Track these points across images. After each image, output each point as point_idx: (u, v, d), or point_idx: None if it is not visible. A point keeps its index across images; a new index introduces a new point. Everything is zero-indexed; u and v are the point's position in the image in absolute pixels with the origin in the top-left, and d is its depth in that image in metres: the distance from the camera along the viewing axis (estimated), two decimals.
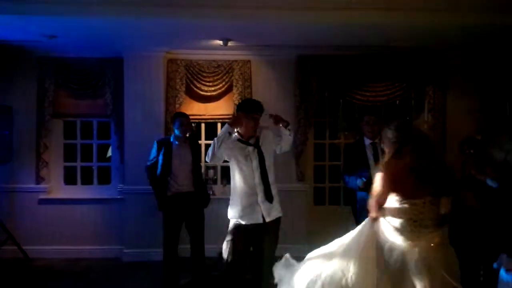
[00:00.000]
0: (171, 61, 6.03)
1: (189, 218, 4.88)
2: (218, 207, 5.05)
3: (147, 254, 5.70)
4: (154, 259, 5.46)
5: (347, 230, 3.19)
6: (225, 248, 3.88)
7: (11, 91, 5.99)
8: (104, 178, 6.40)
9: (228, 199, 4.04)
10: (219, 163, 4.99)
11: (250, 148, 3.87)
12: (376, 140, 4.36)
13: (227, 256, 3.85)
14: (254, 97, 6.02)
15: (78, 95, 6.09)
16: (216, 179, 6.30)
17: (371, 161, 4.36)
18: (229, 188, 4.09)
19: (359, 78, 6.02)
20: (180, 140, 4.92)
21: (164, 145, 4.91)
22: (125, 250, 5.94)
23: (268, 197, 3.83)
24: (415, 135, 3.08)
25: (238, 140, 3.91)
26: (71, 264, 5.79)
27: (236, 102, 6.02)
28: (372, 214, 3.06)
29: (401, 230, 2.94)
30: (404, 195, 2.94)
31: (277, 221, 3.94)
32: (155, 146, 4.96)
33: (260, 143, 3.91)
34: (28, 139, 6.02)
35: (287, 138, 3.92)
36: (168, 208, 4.84)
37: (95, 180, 6.39)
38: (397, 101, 6.19)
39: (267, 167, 3.87)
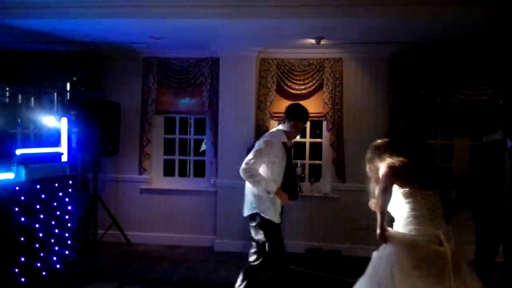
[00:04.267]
0: (263, 60, 6.19)
1: None
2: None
3: (237, 245, 5.90)
4: (243, 250, 5.63)
5: None
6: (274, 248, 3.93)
7: (119, 89, 6.49)
8: (199, 171, 6.74)
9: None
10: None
11: (285, 154, 3.97)
12: None
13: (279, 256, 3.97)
14: (344, 96, 6.04)
15: (178, 93, 6.47)
16: (303, 177, 6.36)
17: (507, 165, 4.00)
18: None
19: (459, 75, 5.73)
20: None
21: None
22: (217, 240, 6.21)
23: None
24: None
25: (283, 143, 3.98)
26: (168, 250, 6.15)
27: (327, 101, 6.04)
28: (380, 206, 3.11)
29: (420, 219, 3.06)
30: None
31: None
32: None
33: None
34: (132, 134, 6.49)
35: None
36: None
37: (191, 172, 6.77)
38: (501, 101, 5.79)
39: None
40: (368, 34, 5.46)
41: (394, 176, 3.11)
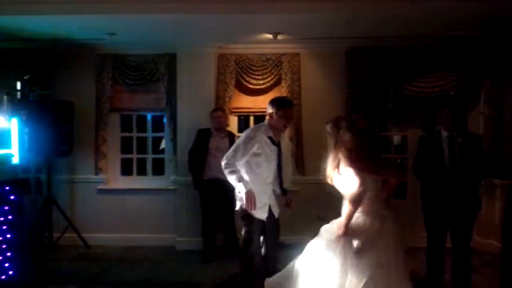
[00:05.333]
0: (221, 56, 6.15)
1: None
2: None
3: (198, 243, 5.82)
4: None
5: None
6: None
7: (72, 87, 6.28)
8: (158, 169, 6.64)
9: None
10: None
11: (273, 147, 3.99)
12: (454, 133, 4.25)
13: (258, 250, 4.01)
14: (303, 90, 6.09)
15: (134, 90, 6.34)
16: None
17: (446, 155, 4.23)
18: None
19: (412, 69, 5.90)
20: (217, 131, 5.62)
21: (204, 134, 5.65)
22: (178, 239, 6.13)
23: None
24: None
25: (269, 137, 3.97)
26: (127, 251, 6.02)
27: (285, 95, 6.07)
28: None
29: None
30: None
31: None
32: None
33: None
34: (87, 133, 6.31)
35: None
36: (204, 191, 5.58)
37: (149, 171, 6.65)
38: (452, 92, 6.02)
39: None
40: (325, 29, 5.53)
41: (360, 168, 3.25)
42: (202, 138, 5.67)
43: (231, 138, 5.76)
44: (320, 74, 6.16)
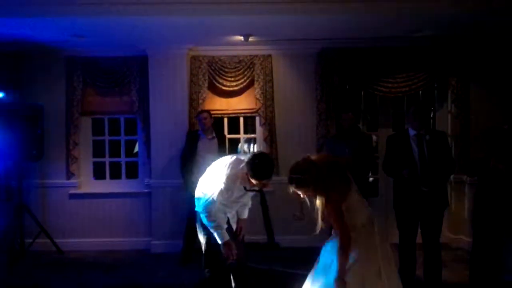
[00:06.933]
0: (194, 58, 6.15)
1: None
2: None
3: (174, 245, 5.79)
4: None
5: None
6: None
7: (41, 90, 6.17)
8: (132, 173, 6.58)
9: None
10: None
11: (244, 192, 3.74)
12: (421, 131, 4.37)
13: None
14: (275, 92, 6.13)
15: (105, 93, 6.27)
16: None
17: (415, 152, 4.34)
18: None
19: (381, 69, 6.03)
20: (205, 133, 5.55)
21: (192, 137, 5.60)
22: (153, 242, 6.09)
23: None
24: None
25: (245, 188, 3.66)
26: (102, 256, 5.95)
27: (258, 97, 6.11)
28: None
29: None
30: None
31: None
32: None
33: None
34: (58, 137, 6.21)
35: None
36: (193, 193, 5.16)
37: (123, 174, 6.58)
38: (420, 92, 6.18)
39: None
40: (295, 31, 5.59)
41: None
42: (191, 140, 5.65)
43: (220, 140, 5.76)
44: (292, 75, 6.22)
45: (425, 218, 4.36)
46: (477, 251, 4.31)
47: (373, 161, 5.54)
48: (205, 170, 4.06)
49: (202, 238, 3.95)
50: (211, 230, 3.72)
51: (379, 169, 5.84)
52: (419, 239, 4.45)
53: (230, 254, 3.68)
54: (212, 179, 3.71)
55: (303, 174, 3.04)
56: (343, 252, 3.01)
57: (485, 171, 4.22)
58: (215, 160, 4.37)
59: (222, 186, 3.58)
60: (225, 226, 3.75)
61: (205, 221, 3.72)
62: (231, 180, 3.58)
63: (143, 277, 5.21)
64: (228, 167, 3.65)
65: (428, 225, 4.37)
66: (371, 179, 6.31)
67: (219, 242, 3.70)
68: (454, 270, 5.00)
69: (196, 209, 3.87)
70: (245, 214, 4.03)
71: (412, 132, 4.42)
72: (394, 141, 4.60)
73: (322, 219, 3.16)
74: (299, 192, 3.12)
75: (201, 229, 3.90)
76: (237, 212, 4.00)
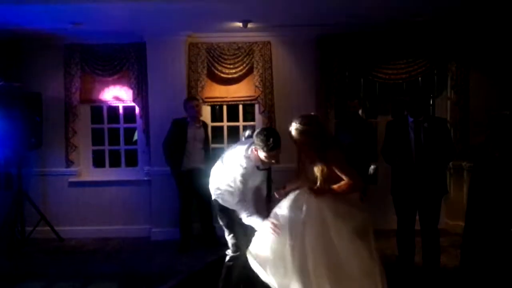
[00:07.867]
0: (192, 45, 6.10)
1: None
2: None
3: (174, 233, 5.81)
4: None
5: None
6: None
7: (40, 78, 6.16)
8: (132, 161, 6.58)
9: None
10: None
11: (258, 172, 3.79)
12: (420, 119, 4.35)
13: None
14: (275, 78, 6.09)
15: (104, 81, 6.24)
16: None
17: (412, 139, 4.32)
18: None
19: (380, 56, 6.00)
20: (193, 120, 5.60)
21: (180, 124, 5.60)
22: (153, 229, 6.11)
23: None
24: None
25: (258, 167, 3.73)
26: (102, 244, 5.98)
27: (257, 84, 6.08)
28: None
29: None
30: None
31: None
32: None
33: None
34: (57, 125, 6.21)
35: None
36: (181, 181, 5.57)
37: (122, 162, 6.59)
38: (419, 78, 6.16)
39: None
40: (294, 17, 5.53)
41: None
42: (179, 128, 5.60)
43: (205, 128, 5.80)
44: (291, 61, 6.17)
45: (423, 204, 4.36)
46: (469, 236, 4.30)
47: (375, 148, 5.53)
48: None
49: (224, 224, 3.92)
50: (245, 222, 3.66)
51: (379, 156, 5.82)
52: (417, 226, 4.46)
53: (275, 228, 3.47)
54: (229, 171, 3.74)
55: (310, 125, 3.36)
56: (350, 190, 3.31)
57: (482, 157, 4.22)
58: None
59: (241, 172, 3.63)
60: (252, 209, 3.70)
61: (238, 213, 3.67)
62: (248, 165, 3.65)
63: (143, 264, 5.23)
64: (241, 154, 3.69)
65: (426, 211, 4.37)
66: (373, 168, 6.09)
67: (257, 227, 3.57)
68: (452, 255, 5.02)
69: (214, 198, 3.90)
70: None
71: (410, 119, 4.42)
72: (393, 128, 4.60)
73: (322, 182, 3.33)
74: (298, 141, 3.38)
75: (222, 215, 3.90)
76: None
